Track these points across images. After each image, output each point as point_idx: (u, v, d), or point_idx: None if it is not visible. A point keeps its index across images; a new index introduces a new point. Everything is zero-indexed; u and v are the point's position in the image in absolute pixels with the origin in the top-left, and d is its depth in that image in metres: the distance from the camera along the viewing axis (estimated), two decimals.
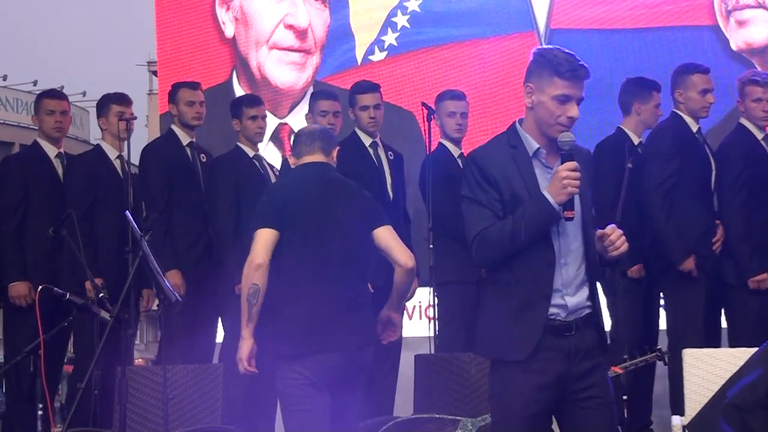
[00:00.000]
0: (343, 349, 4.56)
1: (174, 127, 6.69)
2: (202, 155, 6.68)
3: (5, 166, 6.67)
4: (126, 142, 6.45)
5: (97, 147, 6.72)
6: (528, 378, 3.61)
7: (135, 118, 6.63)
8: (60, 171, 6.56)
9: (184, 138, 6.63)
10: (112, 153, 6.56)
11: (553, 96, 3.66)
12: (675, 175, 6.13)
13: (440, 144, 6.65)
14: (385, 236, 4.74)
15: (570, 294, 3.67)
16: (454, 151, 6.61)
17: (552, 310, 3.64)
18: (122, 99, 6.65)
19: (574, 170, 3.57)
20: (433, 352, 6.07)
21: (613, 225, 3.71)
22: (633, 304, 6.16)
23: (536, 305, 3.63)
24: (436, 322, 6.42)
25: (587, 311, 3.70)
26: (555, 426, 3.84)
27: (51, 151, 6.58)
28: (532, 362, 3.61)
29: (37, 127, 6.70)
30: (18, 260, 6.35)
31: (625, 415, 5.54)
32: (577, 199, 3.65)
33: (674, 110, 6.38)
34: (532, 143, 3.71)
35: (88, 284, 6.04)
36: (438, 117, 6.60)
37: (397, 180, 6.48)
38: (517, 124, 3.78)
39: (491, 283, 3.75)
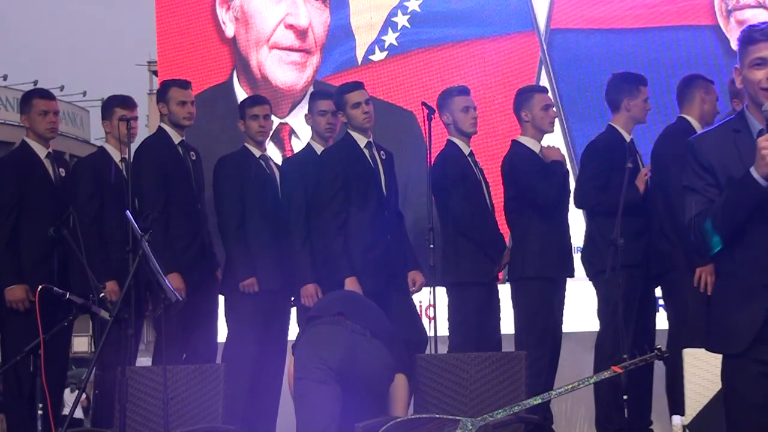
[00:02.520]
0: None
1: (164, 126, 6.65)
2: (192, 153, 6.66)
3: None
4: (129, 145, 6.44)
5: (101, 149, 6.70)
6: (752, 370, 3.48)
7: (135, 118, 6.61)
8: (51, 171, 6.51)
9: (176, 137, 6.61)
10: (116, 155, 6.55)
11: (749, 63, 3.57)
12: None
13: (450, 141, 6.64)
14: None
15: None
16: (465, 149, 6.62)
17: None
18: (126, 102, 6.62)
19: None
20: (433, 352, 6.08)
21: None
22: (630, 304, 6.17)
23: (757, 294, 3.50)
24: (447, 323, 6.46)
25: None
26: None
27: (41, 151, 6.51)
28: (756, 354, 3.48)
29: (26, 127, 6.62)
30: (14, 263, 6.31)
31: (625, 415, 5.55)
32: None
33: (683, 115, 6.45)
34: (756, 125, 3.58)
35: (108, 284, 6.08)
36: (449, 113, 6.59)
37: (389, 179, 6.50)
38: (745, 108, 3.65)
39: (717, 274, 3.68)
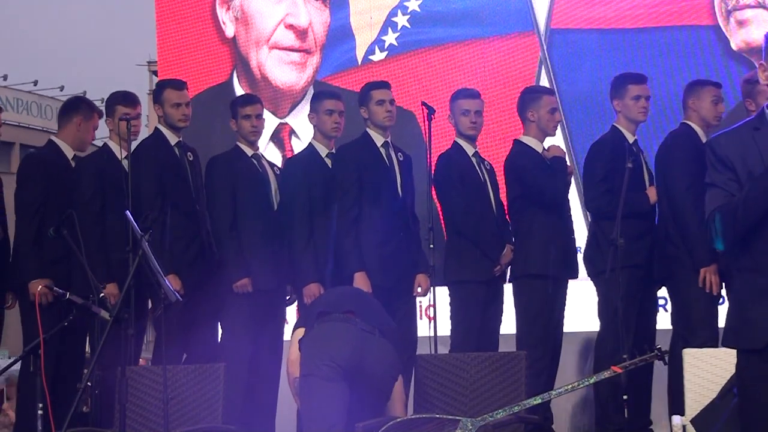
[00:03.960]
0: None
1: (160, 127, 6.65)
2: (189, 153, 6.67)
3: (28, 165, 6.68)
4: (131, 143, 6.47)
5: (105, 146, 6.71)
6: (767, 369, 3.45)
7: (137, 117, 6.61)
8: None
9: (172, 138, 6.61)
10: (119, 153, 6.56)
11: None
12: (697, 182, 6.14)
13: (455, 143, 6.70)
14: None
15: None
16: (469, 149, 6.65)
17: None
18: (127, 99, 6.64)
19: None
20: (433, 352, 6.08)
21: None
22: (630, 304, 6.18)
23: None
24: (450, 321, 6.47)
25: None
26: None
27: (69, 152, 6.62)
28: None
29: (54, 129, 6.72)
30: (38, 259, 6.35)
31: (625, 415, 5.55)
32: None
33: (685, 121, 6.45)
34: None
35: (108, 287, 6.08)
36: (452, 115, 6.66)
37: (406, 181, 6.53)
38: (765, 107, 3.65)
39: (735, 270, 3.63)
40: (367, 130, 6.58)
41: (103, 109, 6.81)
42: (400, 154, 6.61)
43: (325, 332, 5.18)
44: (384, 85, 6.67)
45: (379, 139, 6.53)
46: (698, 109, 6.39)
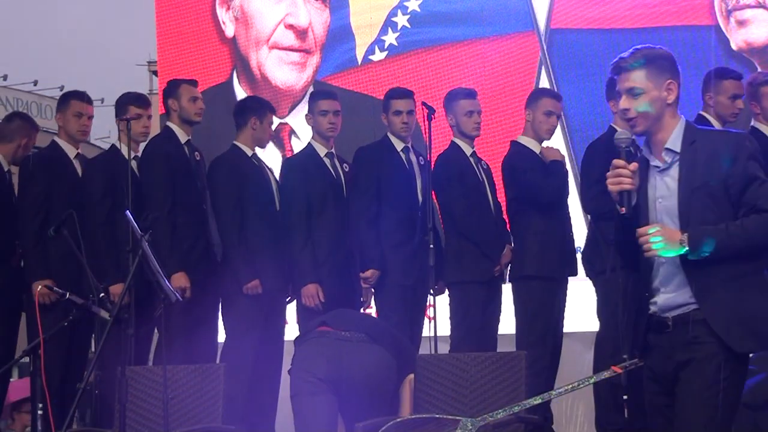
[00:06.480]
0: None
1: (171, 125, 6.65)
2: (196, 153, 6.68)
3: (29, 165, 6.67)
4: (140, 144, 6.55)
5: (113, 147, 6.71)
6: None
7: (135, 118, 6.60)
8: (79, 172, 6.57)
9: (182, 136, 6.61)
10: (128, 154, 6.56)
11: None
12: None
13: (453, 143, 6.70)
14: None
15: None
16: (467, 149, 6.66)
17: None
18: (140, 101, 6.63)
19: (621, 167, 3.70)
20: (433, 352, 6.08)
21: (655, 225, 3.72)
22: (629, 304, 6.17)
23: None
24: (449, 321, 6.48)
25: None
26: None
27: (71, 151, 6.61)
28: None
29: (55, 126, 6.71)
30: (42, 259, 6.35)
31: (625, 415, 5.54)
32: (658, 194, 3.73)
33: (701, 113, 6.44)
34: None
35: (111, 289, 6.07)
36: (453, 115, 6.65)
37: (426, 184, 6.54)
38: None
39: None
40: (388, 134, 6.67)
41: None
42: (420, 158, 6.66)
43: (301, 353, 5.28)
44: (405, 95, 6.68)
45: (399, 144, 6.63)
46: (714, 104, 6.38)
